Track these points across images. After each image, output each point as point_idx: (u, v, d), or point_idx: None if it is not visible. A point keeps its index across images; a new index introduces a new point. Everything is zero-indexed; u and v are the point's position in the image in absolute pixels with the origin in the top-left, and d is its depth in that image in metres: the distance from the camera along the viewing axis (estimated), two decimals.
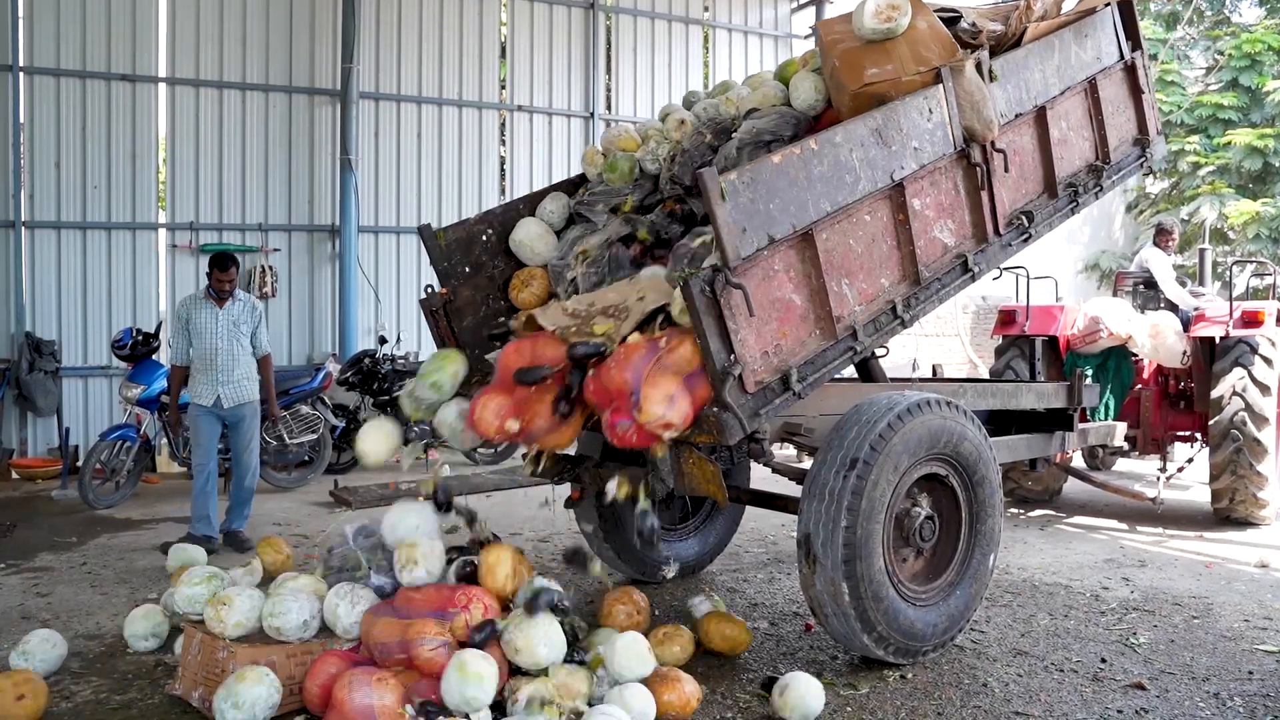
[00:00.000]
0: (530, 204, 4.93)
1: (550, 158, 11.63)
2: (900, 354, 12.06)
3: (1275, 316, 6.86)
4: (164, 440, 8.45)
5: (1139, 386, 7.61)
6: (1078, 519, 7.29)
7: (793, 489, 4.10)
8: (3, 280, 9.18)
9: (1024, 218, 4.68)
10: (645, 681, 3.37)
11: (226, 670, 3.36)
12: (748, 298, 3.41)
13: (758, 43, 13.08)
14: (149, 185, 9.86)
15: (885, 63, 4.17)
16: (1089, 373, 7.16)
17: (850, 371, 4.61)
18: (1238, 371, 6.66)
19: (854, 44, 4.29)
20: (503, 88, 11.61)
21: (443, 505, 3.98)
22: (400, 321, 10.70)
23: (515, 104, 11.53)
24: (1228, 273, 8.31)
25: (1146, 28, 14.33)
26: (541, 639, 3.33)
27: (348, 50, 10.15)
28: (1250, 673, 3.92)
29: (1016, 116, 4.63)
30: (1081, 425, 5.69)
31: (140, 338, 7.65)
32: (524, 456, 4.20)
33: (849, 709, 3.49)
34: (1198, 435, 7.44)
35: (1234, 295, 7.15)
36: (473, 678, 3.11)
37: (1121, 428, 6.26)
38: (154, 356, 7.79)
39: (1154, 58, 14.14)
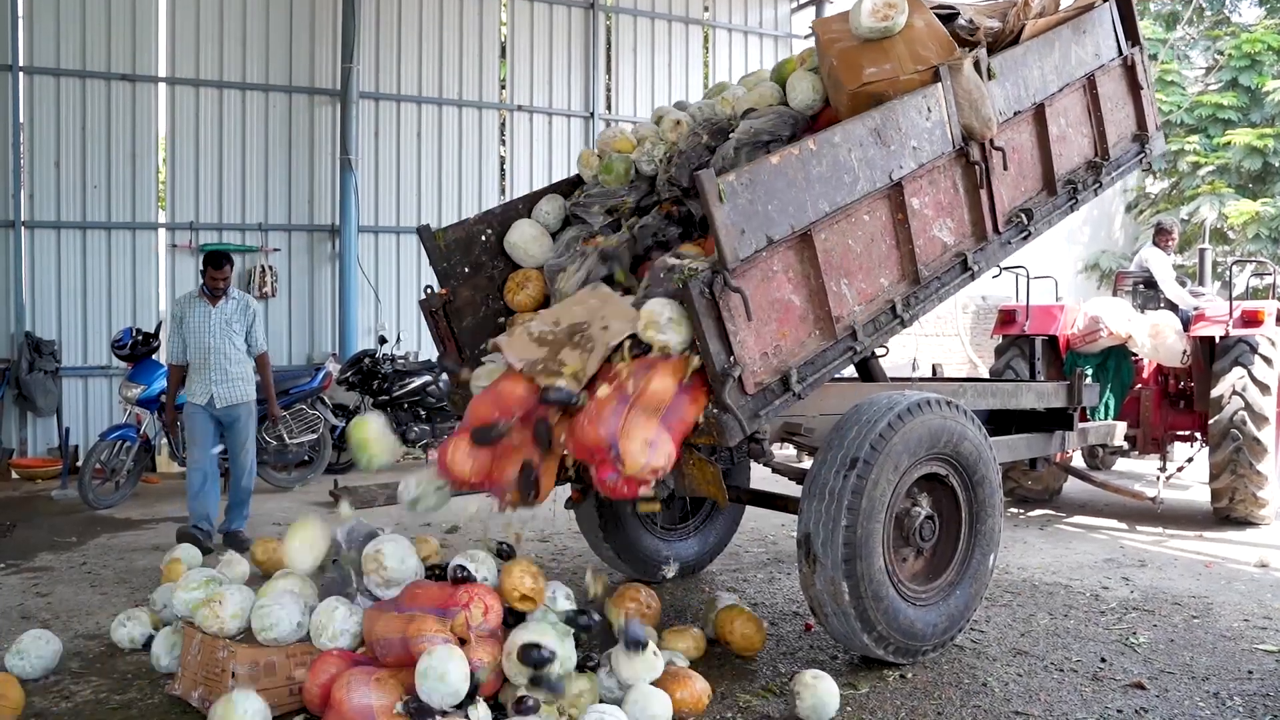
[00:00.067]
0: (529, 204, 4.92)
1: (550, 158, 11.63)
2: (900, 354, 12.06)
3: (1275, 316, 6.86)
4: (164, 440, 8.46)
5: (1139, 386, 7.61)
6: (1078, 519, 7.29)
7: (793, 489, 4.10)
8: (3, 280, 9.18)
9: (1023, 215, 4.69)
10: (656, 681, 3.37)
11: (227, 670, 3.36)
12: (746, 303, 3.42)
13: (757, 43, 13.08)
14: (149, 185, 9.86)
15: (883, 62, 4.17)
16: (1089, 372, 7.16)
17: (850, 371, 4.61)
18: (1237, 371, 6.66)
19: (851, 43, 4.28)
20: (503, 88, 11.61)
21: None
22: (400, 321, 10.70)
23: (515, 104, 11.53)
24: (1227, 272, 8.32)
25: (1146, 27, 14.35)
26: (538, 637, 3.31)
27: (348, 50, 10.15)
28: (1250, 672, 3.92)
29: (1015, 114, 4.63)
30: (1081, 425, 5.70)
31: (140, 338, 7.66)
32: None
33: (849, 708, 3.48)
34: (1197, 435, 7.44)
35: (1234, 295, 7.15)
36: (434, 675, 3.08)
37: (1121, 427, 6.26)
38: (154, 356, 7.80)
39: (1154, 57, 14.14)
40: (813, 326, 3.79)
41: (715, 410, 3.45)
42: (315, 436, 8.56)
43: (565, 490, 4.81)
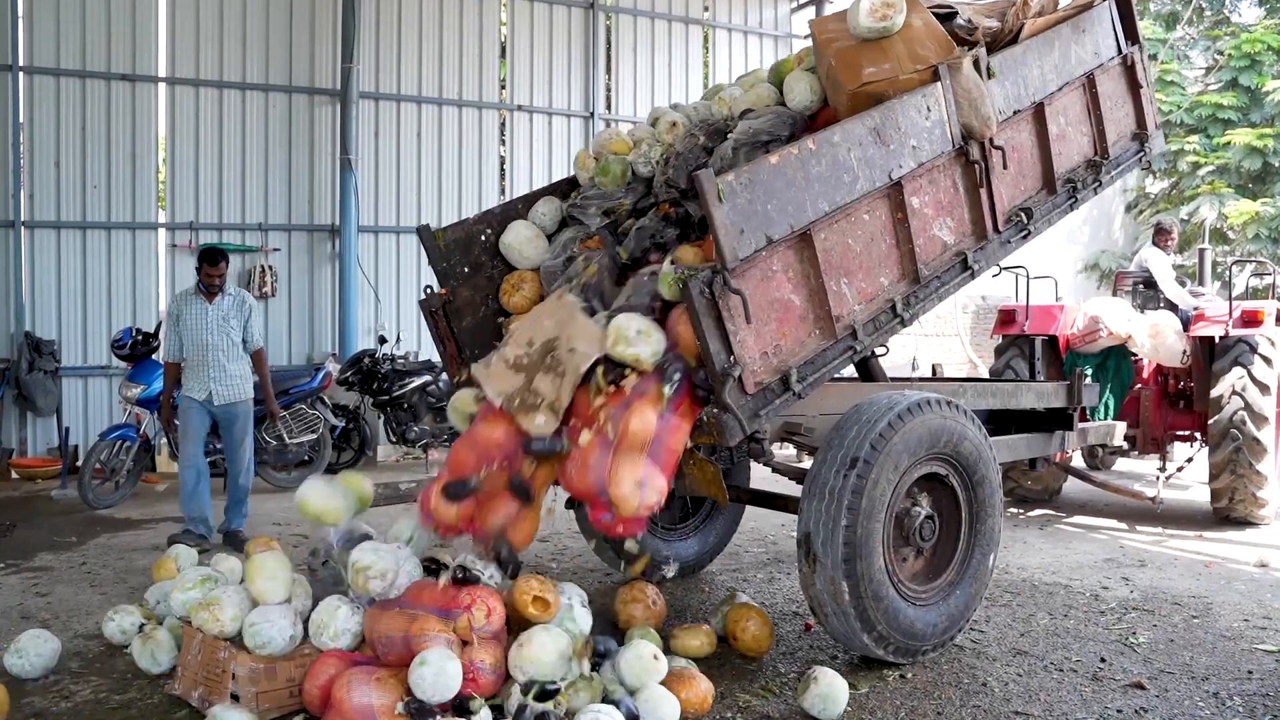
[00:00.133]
0: (529, 204, 4.92)
1: (550, 158, 11.62)
2: (900, 353, 12.06)
3: (1275, 316, 6.86)
4: (164, 440, 8.46)
5: (1138, 386, 7.61)
6: (1077, 519, 7.29)
7: (793, 489, 4.10)
8: (2, 280, 9.18)
9: (1023, 214, 4.69)
10: (661, 681, 3.38)
11: (227, 670, 3.36)
12: (746, 305, 3.42)
13: (757, 42, 13.08)
14: (149, 185, 9.86)
15: (882, 61, 4.17)
16: (1089, 372, 7.16)
17: (850, 371, 4.61)
18: (1237, 371, 6.66)
19: (849, 43, 4.28)
20: (503, 88, 11.61)
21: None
22: (400, 321, 10.69)
23: (515, 104, 11.53)
24: (1227, 272, 8.32)
25: (1146, 27, 14.35)
26: (553, 650, 3.30)
27: (348, 50, 10.15)
28: (1250, 672, 3.92)
29: (1015, 113, 4.64)
30: (1081, 425, 5.70)
31: (140, 337, 7.66)
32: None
33: (849, 708, 3.48)
34: (1197, 435, 7.45)
35: (1233, 295, 7.16)
36: (429, 674, 3.08)
37: (1121, 427, 6.26)
38: (154, 356, 7.79)
39: (1154, 57, 14.13)
40: (813, 326, 3.79)
41: (715, 410, 3.45)
42: (315, 436, 8.56)
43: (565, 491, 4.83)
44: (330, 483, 4.01)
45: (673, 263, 4.02)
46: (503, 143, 11.65)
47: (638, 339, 3.52)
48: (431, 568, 3.65)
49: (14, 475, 8.89)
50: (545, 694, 3.19)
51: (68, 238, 9.43)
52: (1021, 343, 7.39)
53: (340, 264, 10.31)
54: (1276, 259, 13.36)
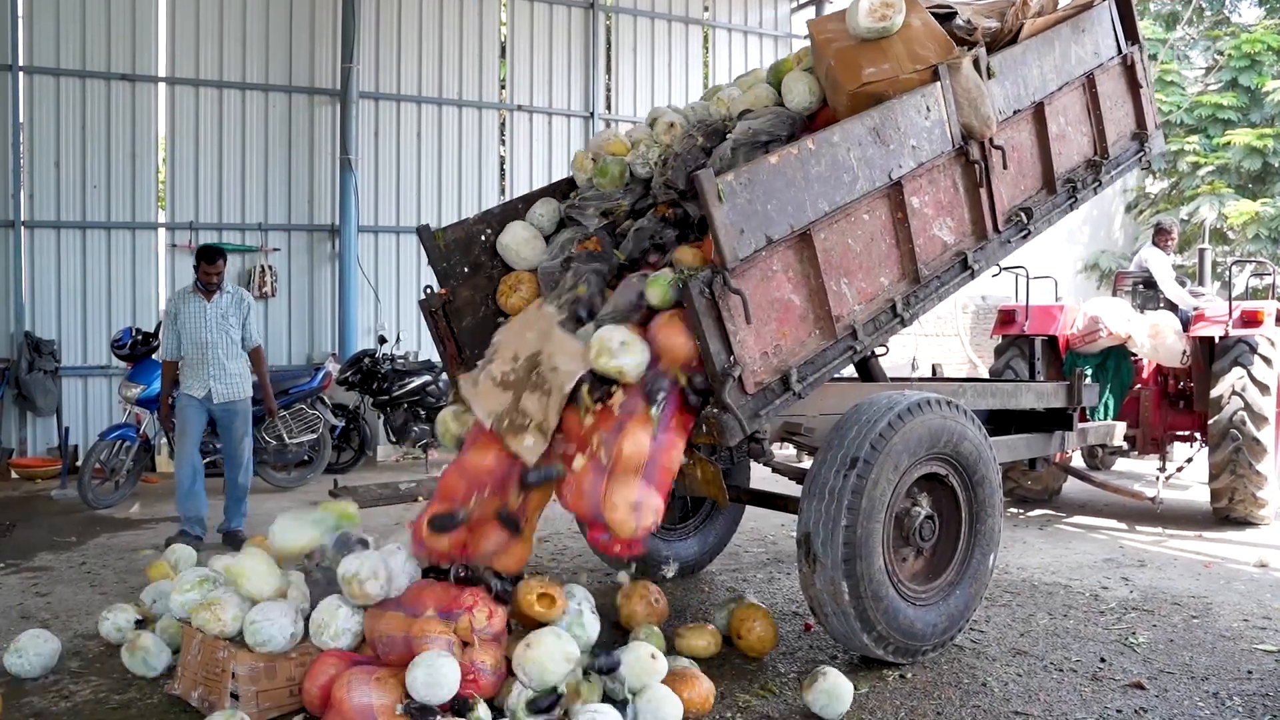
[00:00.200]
0: (528, 204, 4.92)
1: (550, 158, 11.63)
2: (900, 353, 12.06)
3: (1274, 316, 6.86)
4: (164, 440, 8.46)
5: (1138, 386, 7.61)
6: (1077, 519, 7.29)
7: (793, 489, 4.10)
8: (2, 280, 9.18)
9: (1023, 214, 4.69)
10: (664, 681, 3.38)
11: (227, 670, 3.36)
12: (746, 305, 3.41)
13: (757, 42, 13.08)
14: (148, 185, 9.86)
15: (882, 61, 4.17)
16: (1088, 372, 7.16)
17: (850, 371, 4.61)
18: (1237, 371, 6.66)
19: (848, 43, 4.27)
20: (502, 88, 11.61)
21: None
22: (400, 321, 10.70)
23: (515, 104, 11.53)
24: (1227, 272, 8.32)
25: (1146, 28, 14.35)
26: (559, 655, 3.30)
27: (348, 50, 10.15)
28: (1249, 672, 3.92)
29: (1015, 113, 4.63)
30: (1081, 425, 5.70)
31: (140, 337, 7.66)
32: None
33: (849, 708, 3.48)
34: (1197, 435, 7.44)
35: (1233, 295, 7.15)
36: (426, 674, 3.09)
37: (1121, 427, 6.26)
38: (153, 356, 7.78)
39: (1154, 58, 14.13)
40: (813, 326, 3.79)
41: (715, 410, 3.45)
42: (315, 436, 8.56)
43: None
44: (301, 515, 3.93)
45: (671, 264, 4.02)
46: (503, 143, 11.65)
47: (621, 350, 3.48)
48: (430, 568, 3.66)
49: (14, 475, 8.88)
50: (543, 709, 3.17)
51: (67, 238, 9.43)
52: (1021, 343, 7.39)
53: (340, 264, 10.32)
54: (1276, 259, 13.36)
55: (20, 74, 9.17)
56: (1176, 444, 7.89)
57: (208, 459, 7.71)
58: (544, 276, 4.49)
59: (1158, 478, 6.94)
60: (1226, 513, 6.85)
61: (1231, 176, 14.94)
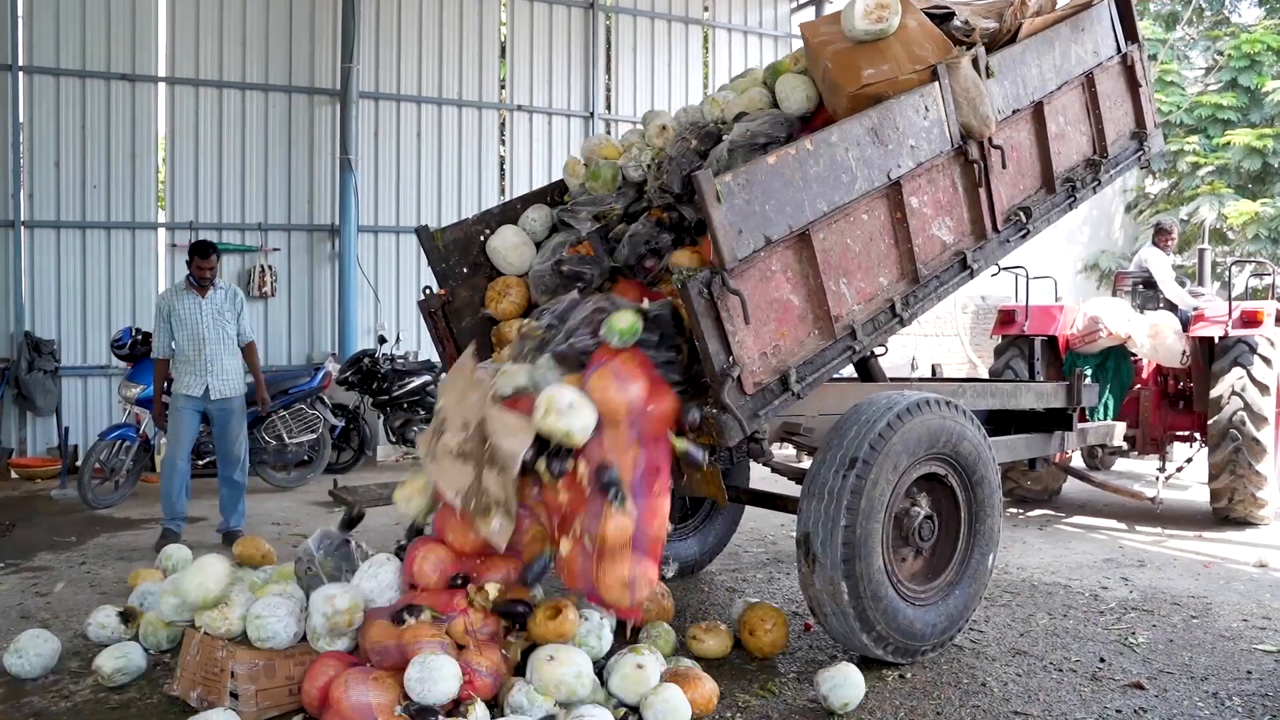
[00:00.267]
0: (527, 205, 4.93)
1: (550, 158, 11.63)
2: (899, 354, 12.06)
3: (1274, 316, 6.86)
4: (162, 440, 8.44)
5: (1138, 386, 7.61)
6: (1077, 519, 7.29)
7: (792, 489, 4.10)
8: (2, 280, 9.18)
9: (1022, 214, 4.69)
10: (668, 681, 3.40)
11: (225, 669, 3.36)
12: (744, 305, 3.41)
13: (757, 42, 13.08)
14: (148, 185, 9.87)
15: (880, 63, 4.16)
16: (1088, 372, 7.16)
17: (849, 371, 4.61)
18: (1237, 371, 6.66)
19: (845, 45, 4.27)
20: (502, 87, 11.62)
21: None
22: (400, 321, 10.70)
23: (515, 104, 11.53)
24: (1227, 273, 8.31)
25: (1146, 28, 14.34)
26: (584, 673, 3.30)
27: (348, 50, 10.15)
28: (1249, 672, 3.92)
29: (1014, 112, 4.64)
30: (1080, 425, 5.69)
31: (139, 337, 7.66)
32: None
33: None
34: (1197, 435, 7.44)
35: (1233, 295, 7.15)
36: (433, 674, 3.10)
37: (1120, 427, 6.26)
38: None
39: (1153, 58, 14.13)
40: (811, 326, 3.79)
41: (715, 410, 3.45)
42: (314, 436, 8.56)
43: None
44: (209, 564, 3.70)
45: (668, 268, 4.01)
46: (502, 143, 11.65)
47: (569, 411, 3.34)
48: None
49: (13, 475, 8.88)
50: None
51: (67, 237, 9.44)
52: (1021, 343, 7.39)
53: (340, 264, 10.32)
54: (1276, 259, 13.36)
55: (20, 74, 9.18)
56: (1176, 444, 7.89)
57: (206, 459, 7.72)
58: (535, 280, 4.49)
59: (1157, 478, 6.95)
60: (1226, 513, 6.85)
61: (1231, 177, 14.94)
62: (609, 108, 12.11)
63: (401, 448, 9.68)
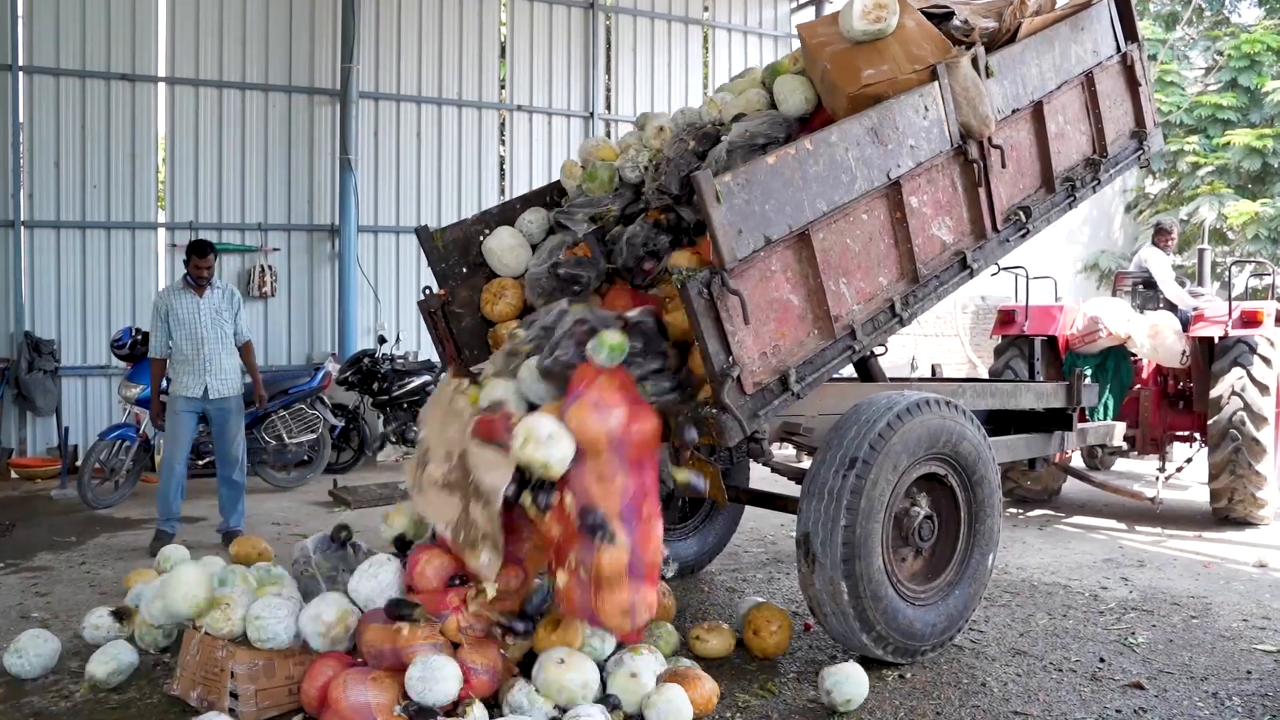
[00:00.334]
0: (526, 205, 4.92)
1: (550, 157, 11.62)
2: (899, 354, 12.06)
3: (1274, 316, 6.86)
4: (161, 440, 8.44)
5: (1138, 386, 7.61)
6: (1077, 519, 7.29)
7: (792, 489, 4.10)
8: (2, 280, 9.17)
9: (1022, 213, 4.68)
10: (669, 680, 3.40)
11: (225, 669, 3.36)
12: (744, 305, 3.41)
13: (757, 42, 13.08)
14: (148, 185, 9.86)
15: (880, 63, 4.16)
16: (1088, 373, 7.16)
17: (849, 371, 4.62)
18: (1236, 371, 6.66)
19: (843, 45, 4.26)
20: (502, 88, 11.61)
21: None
22: (400, 321, 10.69)
23: (515, 104, 11.53)
24: (1227, 273, 8.32)
25: (1146, 28, 14.33)
26: (590, 679, 3.31)
27: (348, 50, 10.14)
28: (1248, 672, 3.92)
29: (1013, 112, 4.63)
30: (1080, 425, 5.70)
31: (139, 337, 7.65)
32: None
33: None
34: (1196, 435, 7.44)
35: (1233, 295, 7.15)
36: (432, 674, 3.12)
37: (1120, 427, 6.26)
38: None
39: (1153, 58, 14.12)
40: (811, 326, 3.79)
41: (714, 410, 3.45)
42: (314, 436, 8.56)
43: None
44: (184, 574, 3.73)
45: (668, 269, 4.00)
46: (502, 143, 11.65)
47: (549, 443, 3.27)
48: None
49: (13, 475, 8.88)
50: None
51: (67, 237, 9.43)
52: (1021, 343, 7.39)
53: (340, 264, 10.31)
54: (1276, 259, 13.36)
55: (20, 74, 9.17)
56: (1176, 444, 7.89)
57: (206, 459, 7.72)
58: (531, 283, 4.48)
59: (1157, 478, 6.95)
60: (1226, 513, 6.85)
61: (1231, 177, 14.93)
62: (609, 108, 12.11)
63: (401, 447, 9.67)
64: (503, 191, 11.44)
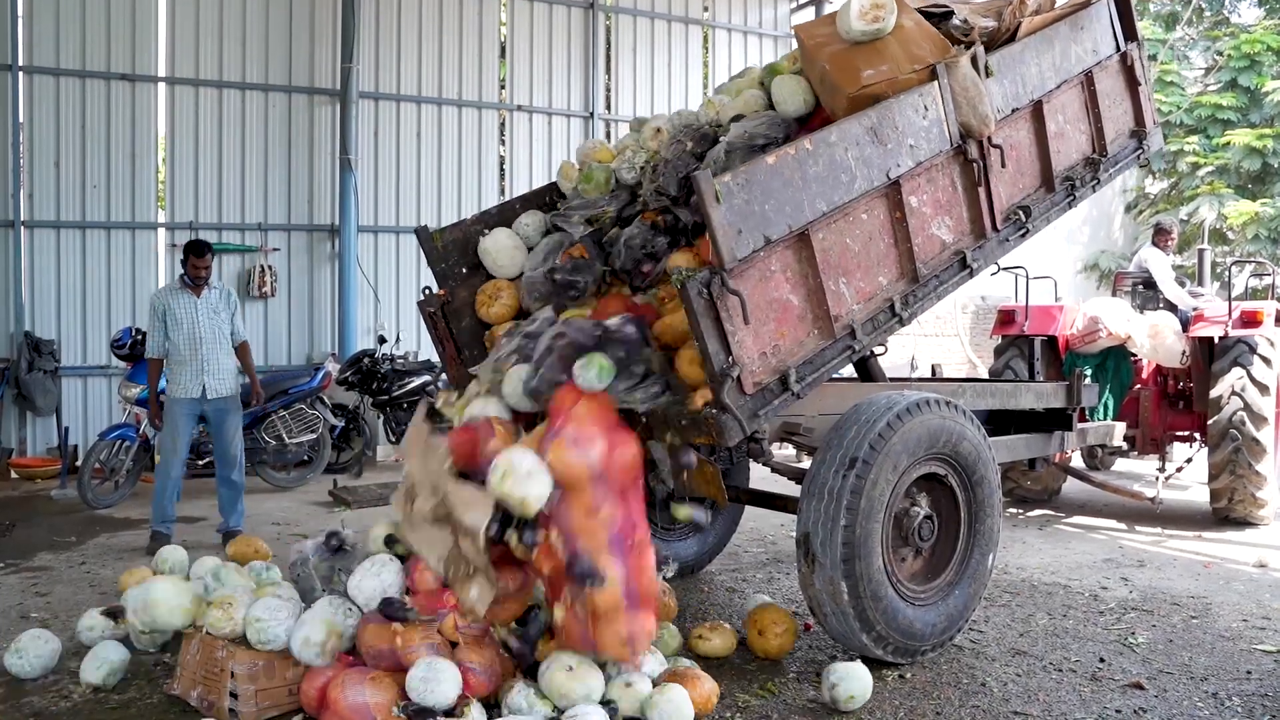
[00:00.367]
0: (525, 205, 4.92)
1: (550, 158, 11.62)
2: (899, 353, 12.06)
3: (1274, 316, 6.86)
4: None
5: (1138, 386, 7.61)
6: (1076, 519, 7.29)
7: (792, 489, 4.10)
8: (2, 280, 9.18)
9: (1021, 213, 4.68)
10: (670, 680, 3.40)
11: (225, 669, 3.36)
12: (744, 305, 3.41)
13: (757, 42, 13.08)
14: (148, 185, 9.86)
15: (879, 63, 4.15)
16: (1088, 373, 7.16)
17: (849, 371, 4.62)
18: (1236, 371, 6.66)
19: (842, 46, 4.26)
20: (502, 88, 11.62)
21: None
22: (400, 321, 10.70)
23: (515, 104, 11.53)
24: (1226, 273, 8.31)
25: (1146, 28, 14.34)
26: (595, 687, 3.30)
27: (348, 50, 10.15)
28: (1248, 672, 3.92)
29: (1013, 111, 4.63)
30: (1080, 425, 5.70)
31: (139, 337, 7.65)
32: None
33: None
34: (1196, 435, 7.44)
35: (1233, 295, 7.15)
36: (435, 676, 3.12)
37: (1120, 427, 6.26)
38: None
39: (1153, 58, 14.12)
40: (811, 326, 3.78)
41: (714, 410, 3.45)
42: (314, 436, 8.56)
43: None
44: (158, 590, 3.77)
45: (665, 272, 3.99)
46: (502, 143, 11.65)
47: (527, 480, 3.24)
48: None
49: (13, 475, 8.88)
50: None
51: (67, 237, 9.43)
52: (1021, 343, 7.39)
53: (340, 264, 10.32)
54: (1276, 259, 13.35)
55: (20, 74, 9.17)
56: (1176, 444, 7.89)
57: (205, 459, 7.72)
58: (527, 286, 4.47)
59: (1157, 478, 6.94)
60: (1226, 513, 6.85)
61: (1231, 177, 14.93)
62: (609, 108, 12.11)
63: (401, 447, 9.67)
64: (503, 192, 11.44)
